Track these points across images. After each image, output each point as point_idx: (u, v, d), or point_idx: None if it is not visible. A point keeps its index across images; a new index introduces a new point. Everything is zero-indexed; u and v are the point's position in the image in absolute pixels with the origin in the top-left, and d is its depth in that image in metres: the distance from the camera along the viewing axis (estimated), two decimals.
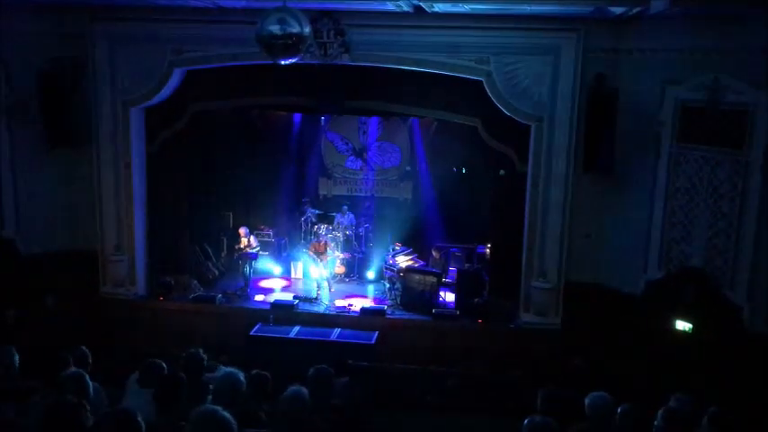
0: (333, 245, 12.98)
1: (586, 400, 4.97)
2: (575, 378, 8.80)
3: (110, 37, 10.83)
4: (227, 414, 3.57)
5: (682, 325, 9.21)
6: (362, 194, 14.88)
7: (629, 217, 10.02)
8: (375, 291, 12.90)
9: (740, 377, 8.30)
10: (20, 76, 10.71)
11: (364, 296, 12.54)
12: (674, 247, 9.49)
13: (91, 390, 4.76)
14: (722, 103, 8.71)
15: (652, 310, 9.57)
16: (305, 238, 14.12)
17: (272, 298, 12.02)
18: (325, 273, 12.43)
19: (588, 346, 9.88)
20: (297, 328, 10.70)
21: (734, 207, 8.84)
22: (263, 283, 13.00)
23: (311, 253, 12.50)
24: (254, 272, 12.86)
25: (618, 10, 8.87)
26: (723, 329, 8.81)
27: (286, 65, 7.27)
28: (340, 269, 13.29)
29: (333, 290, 12.52)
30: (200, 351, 5.62)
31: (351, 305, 11.84)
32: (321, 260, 12.40)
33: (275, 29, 6.80)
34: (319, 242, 12.65)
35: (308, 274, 13.00)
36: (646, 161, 9.71)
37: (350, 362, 7.21)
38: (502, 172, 12.26)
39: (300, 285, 13.08)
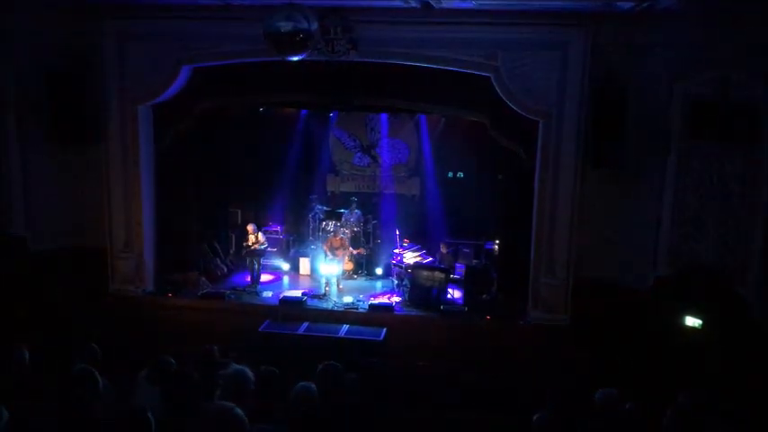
0: (347, 241, 13.00)
1: (595, 397, 4.96)
2: (583, 374, 8.78)
3: (118, 35, 10.85)
4: (240, 412, 3.58)
5: (692, 321, 9.18)
6: (370, 191, 14.87)
7: (639, 213, 9.98)
8: (383, 287, 12.90)
9: (751, 374, 8.26)
10: (29, 75, 10.73)
11: (374, 293, 12.53)
12: (684, 243, 9.44)
13: (101, 386, 4.78)
14: (733, 98, 8.66)
15: (661, 307, 9.53)
16: (313, 235, 14.14)
17: (269, 293, 12.09)
18: (336, 269, 12.44)
19: (597, 342, 9.85)
20: (305, 325, 10.72)
21: (744, 203, 8.80)
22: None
23: (327, 249, 12.51)
24: (262, 268, 12.89)
25: (626, 5, 8.82)
26: (733, 326, 8.77)
27: (294, 61, 7.28)
28: (348, 266, 13.29)
29: (341, 287, 12.52)
30: (215, 348, 5.64)
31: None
32: (336, 256, 12.42)
33: (283, 25, 6.82)
34: (335, 237, 12.65)
35: (318, 271, 13.02)
36: (655, 157, 9.66)
37: (362, 358, 7.25)
38: (500, 177, 12.24)
39: (309, 282, 13.12)
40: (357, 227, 13.84)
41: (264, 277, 13.02)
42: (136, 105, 11.13)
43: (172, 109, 11.45)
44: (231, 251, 13.87)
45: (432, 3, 9.13)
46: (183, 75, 10.98)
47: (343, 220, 13.83)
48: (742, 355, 8.46)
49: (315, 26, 7.15)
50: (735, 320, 8.75)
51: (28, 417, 4.16)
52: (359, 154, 14.87)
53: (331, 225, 13.64)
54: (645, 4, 8.60)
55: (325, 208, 14.34)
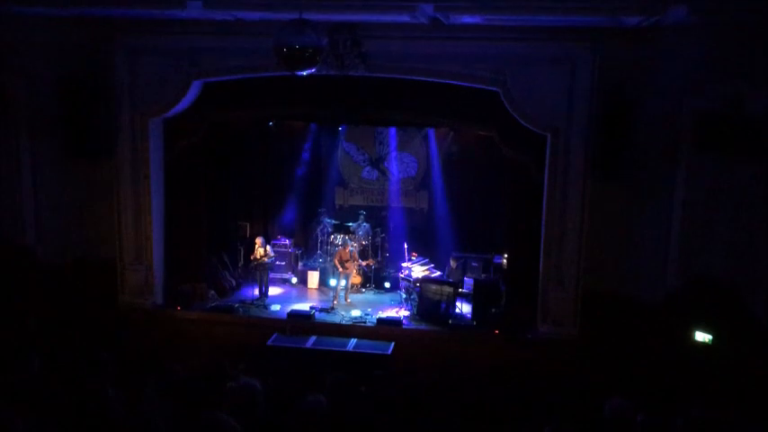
0: (356, 254, 13.01)
1: (605, 408, 4.94)
2: (593, 388, 8.74)
3: (129, 49, 10.97)
4: (232, 420, 3.59)
5: (701, 336, 9.12)
6: (379, 204, 14.89)
7: (648, 226, 9.96)
8: (391, 301, 12.89)
9: (761, 388, 8.20)
10: (41, 88, 10.86)
11: (382, 307, 12.50)
12: (694, 256, 9.40)
13: (110, 397, 4.80)
14: (741, 111, 8.65)
15: (671, 320, 9.48)
16: (321, 248, 14.18)
17: (277, 307, 12.11)
18: (343, 282, 12.47)
19: (606, 355, 9.80)
20: (313, 339, 10.73)
21: (754, 216, 8.77)
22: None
23: (336, 261, 12.54)
24: (270, 281, 12.91)
25: (633, 20, 8.85)
26: (743, 339, 8.72)
27: (302, 76, 7.34)
28: (356, 279, 13.31)
29: (349, 301, 12.54)
30: (223, 361, 5.66)
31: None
32: (346, 269, 12.44)
33: (292, 40, 6.87)
34: (345, 249, 12.67)
35: (326, 283, 13.05)
36: (664, 170, 9.65)
37: (370, 372, 7.28)
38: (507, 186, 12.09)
39: (317, 295, 13.15)
40: (365, 240, 13.88)
41: (273, 290, 13.03)
42: (147, 119, 11.22)
43: (182, 122, 11.54)
44: (240, 264, 13.89)
45: (440, 18, 9.19)
46: (194, 89, 11.08)
47: (351, 233, 13.85)
48: (753, 369, 8.40)
49: (324, 41, 7.22)
50: (745, 335, 8.70)
51: (39, 427, 4.18)
52: (368, 167, 14.91)
53: (339, 238, 13.67)
54: (652, 20, 8.63)
55: (333, 221, 14.38)
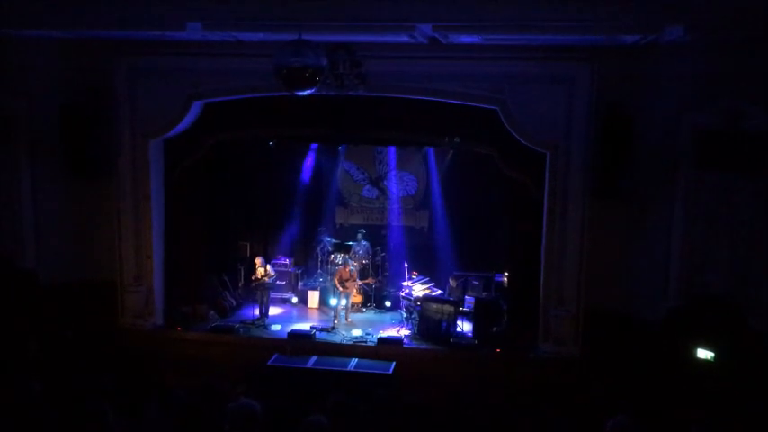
0: (356, 273, 12.99)
1: (607, 427, 4.91)
2: (595, 407, 8.69)
3: (130, 70, 11.04)
4: None
5: (704, 353, 9.09)
6: (379, 223, 14.90)
7: (649, 243, 9.96)
8: (392, 320, 12.85)
9: (763, 406, 8.15)
10: (42, 109, 10.89)
11: (383, 326, 12.45)
12: (695, 273, 9.39)
13: (111, 420, 4.78)
14: (740, 128, 8.69)
15: (673, 338, 9.45)
16: (321, 268, 14.16)
17: (278, 327, 12.07)
18: (344, 302, 12.44)
19: (608, 374, 9.76)
20: (314, 358, 10.68)
21: (754, 232, 8.77)
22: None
23: (336, 281, 12.52)
24: (270, 301, 12.88)
25: (630, 39, 8.92)
26: (746, 357, 8.68)
27: (302, 96, 7.39)
28: (357, 298, 13.28)
29: (350, 320, 12.51)
30: (224, 382, 5.64)
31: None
32: (346, 288, 12.42)
33: (292, 61, 6.93)
34: (345, 269, 12.65)
35: (329, 303, 13.02)
36: (664, 187, 9.67)
37: (378, 391, 7.26)
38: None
39: (317, 315, 13.11)
40: (365, 259, 13.86)
41: (273, 310, 12.99)
42: (147, 139, 11.26)
43: (183, 142, 11.58)
44: (240, 284, 13.87)
45: (439, 38, 9.26)
46: (194, 110, 11.13)
47: (351, 252, 13.84)
48: (755, 387, 8.36)
49: (323, 61, 7.26)
50: (747, 352, 8.66)
51: None
52: (367, 186, 14.94)
53: (339, 257, 13.66)
54: (649, 38, 8.69)
55: (333, 240, 14.37)
